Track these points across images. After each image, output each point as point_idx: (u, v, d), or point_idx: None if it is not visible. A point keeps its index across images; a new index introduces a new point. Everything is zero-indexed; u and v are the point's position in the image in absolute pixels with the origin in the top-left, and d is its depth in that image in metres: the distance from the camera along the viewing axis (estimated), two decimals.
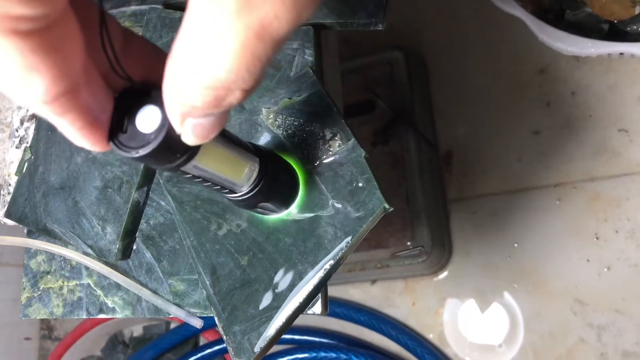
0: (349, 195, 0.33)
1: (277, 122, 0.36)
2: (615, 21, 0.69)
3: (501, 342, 0.72)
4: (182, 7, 0.42)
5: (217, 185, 0.28)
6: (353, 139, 0.34)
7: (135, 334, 0.81)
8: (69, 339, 0.76)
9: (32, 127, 0.48)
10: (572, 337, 0.69)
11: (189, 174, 0.25)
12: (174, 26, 0.41)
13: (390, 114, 0.77)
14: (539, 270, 0.72)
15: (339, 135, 0.34)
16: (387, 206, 0.33)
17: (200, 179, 0.27)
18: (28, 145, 0.44)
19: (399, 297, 0.77)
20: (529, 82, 0.76)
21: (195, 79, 0.19)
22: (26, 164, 0.43)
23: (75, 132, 0.21)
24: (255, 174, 0.30)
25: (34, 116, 0.48)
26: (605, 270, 0.69)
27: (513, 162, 0.76)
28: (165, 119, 0.22)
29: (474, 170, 0.78)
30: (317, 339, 0.71)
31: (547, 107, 0.75)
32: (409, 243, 0.74)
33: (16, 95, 0.18)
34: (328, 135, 0.35)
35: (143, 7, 0.44)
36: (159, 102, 0.22)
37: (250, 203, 0.31)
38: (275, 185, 0.32)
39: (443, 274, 0.77)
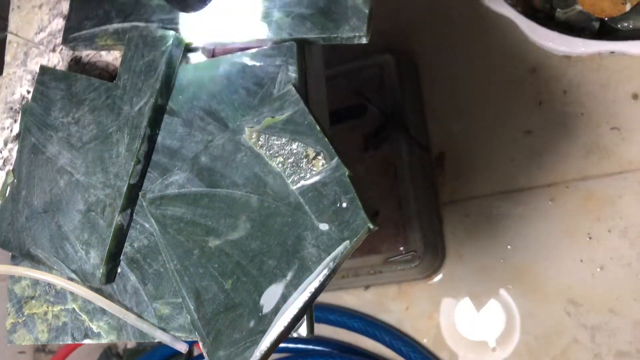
0: (333, 215, 0.33)
1: (260, 142, 0.36)
2: (606, 19, 0.68)
3: (495, 344, 0.72)
4: (163, 25, 0.42)
5: None
6: (336, 158, 0.34)
7: (129, 346, 0.81)
8: (62, 352, 0.76)
9: (16, 148, 0.47)
10: (566, 337, 0.69)
11: None
12: (155, 45, 0.40)
13: (381, 118, 0.77)
14: (533, 271, 0.71)
15: (322, 154, 0.34)
16: (371, 227, 0.32)
17: None
18: (11, 168, 0.44)
19: (392, 302, 0.77)
20: (520, 81, 0.76)
21: None
22: (9, 187, 0.43)
23: None
24: None
25: (17, 136, 0.48)
26: (599, 270, 0.69)
27: (506, 163, 0.75)
28: None
29: (466, 172, 0.77)
30: (310, 347, 0.71)
31: (539, 106, 0.75)
32: (401, 248, 0.73)
33: None
34: (311, 154, 0.34)
35: (125, 24, 0.44)
36: None
37: None
38: None
39: (437, 278, 0.76)
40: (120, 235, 0.39)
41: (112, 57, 0.47)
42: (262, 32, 0.39)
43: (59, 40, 0.50)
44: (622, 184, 0.69)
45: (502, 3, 0.68)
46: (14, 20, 0.53)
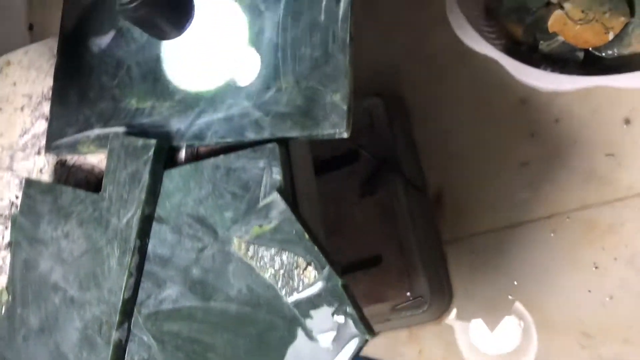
0: (330, 328, 0.32)
1: (249, 253, 0.35)
2: (590, 48, 0.68)
3: None
4: (144, 132, 0.41)
5: None
6: (328, 267, 0.33)
7: None
8: None
9: (8, 257, 0.47)
10: None
11: None
12: (137, 155, 0.40)
13: (374, 163, 0.76)
14: (542, 306, 0.71)
15: (313, 264, 0.33)
16: (368, 338, 0.32)
17: None
18: (4, 286, 0.43)
19: (404, 347, 0.76)
20: (510, 113, 0.75)
21: None
22: (4, 306, 0.42)
23: None
24: None
25: (9, 245, 0.48)
26: (608, 299, 0.68)
27: (504, 197, 0.74)
28: None
29: (466, 209, 0.77)
30: None
31: (531, 137, 0.74)
32: (408, 293, 0.73)
33: None
34: (302, 264, 0.34)
35: (106, 130, 0.43)
36: None
37: (135, 17, 0.33)
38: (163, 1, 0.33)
39: (447, 319, 0.76)
40: (120, 351, 0.38)
41: (97, 159, 0.46)
42: (242, 131, 0.39)
43: (43, 143, 0.50)
44: (623, 211, 0.68)
45: (484, 44, 0.67)
46: None
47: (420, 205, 0.77)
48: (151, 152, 0.39)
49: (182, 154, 0.42)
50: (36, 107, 0.51)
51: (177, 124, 0.41)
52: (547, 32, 0.69)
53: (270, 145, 0.37)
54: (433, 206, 0.79)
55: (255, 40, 0.40)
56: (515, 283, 0.73)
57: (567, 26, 0.66)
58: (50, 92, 0.51)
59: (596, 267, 0.69)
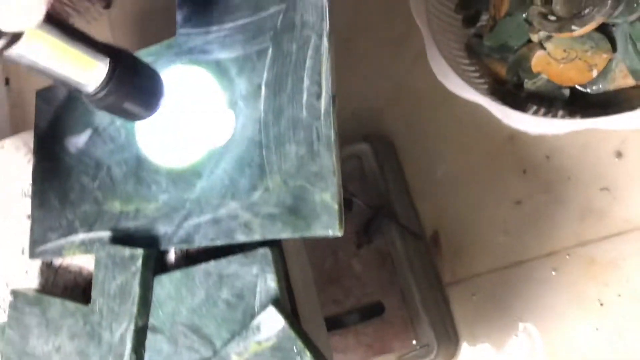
0: None
1: None
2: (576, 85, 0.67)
3: None
4: (130, 237, 0.40)
5: (61, 81, 0.29)
6: None
7: None
8: None
9: None
10: None
11: (19, 62, 0.26)
12: (125, 265, 0.38)
13: (369, 211, 0.75)
14: (549, 346, 0.70)
15: None
16: None
17: (37, 70, 0.27)
18: None
19: None
20: (499, 151, 0.75)
21: None
22: None
23: None
24: (103, 75, 0.30)
25: None
26: (616, 337, 0.67)
27: (500, 236, 0.74)
28: None
29: (464, 250, 0.76)
30: None
31: (523, 174, 0.73)
32: (414, 342, 0.71)
33: None
34: None
35: (91, 234, 0.42)
36: None
37: (104, 105, 0.32)
38: (129, 87, 0.32)
39: None
40: None
41: (84, 259, 0.45)
42: (232, 234, 0.37)
43: (26, 242, 0.48)
44: (622, 246, 0.67)
45: (467, 89, 0.67)
46: None
47: (418, 250, 0.76)
48: (139, 263, 0.38)
49: (172, 256, 0.41)
50: (16, 205, 0.50)
51: (163, 228, 0.40)
52: (531, 70, 0.69)
53: (262, 250, 0.36)
54: (431, 249, 0.78)
55: (237, 138, 0.38)
56: (520, 322, 0.71)
57: (551, 65, 0.66)
58: (30, 190, 0.49)
59: (601, 304, 0.68)
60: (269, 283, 0.35)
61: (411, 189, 0.79)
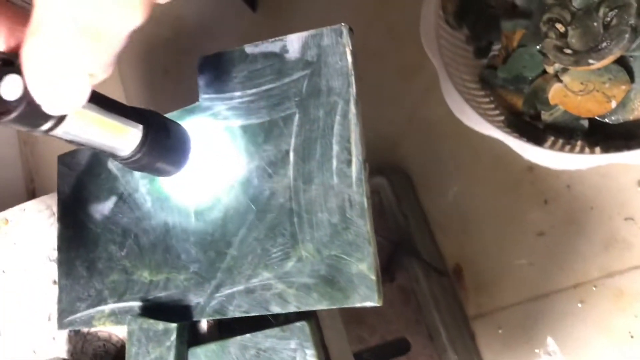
0: None
1: None
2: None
3: None
4: (161, 307, 0.39)
5: (98, 149, 0.31)
6: None
7: None
8: None
9: None
10: None
11: (63, 138, 0.27)
12: (159, 340, 0.38)
13: (389, 247, 0.75)
14: None
15: None
16: None
17: (76, 143, 0.29)
18: None
19: None
20: (519, 181, 0.74)
21: (42, 62, 0.21)
22: None
23: None
24: (138, 140, 0.32)
25: None
26: None
27: (525, 268, 0.73)
28: (27, 90, 0.24)
29: (487, 282, 0.75)
30: None
31: (544, 205, 0.72)
32: None
33: None
34: None
35: (120, 305, 0.41)
36: (21, 72, 0.24)
37: (136, 166, 0.34)
38: (160, 149, 0.34)
39: None
40: None
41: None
42: (266, 305, 0.37)
43: (53, 308, 0.48)
44: None
45: (485, 124, 0.66)
46: (1, 287, 0.51)
47: (442, 285, 0.75)
48: (174, 337, 0.37)
49: (204, 324, 0.40)
50: (41, 270, 0.49)
51: (195, 298, 0.39)
52: (548, 102, 0.68)
53: (299, 324, 0.35)
54: (454, 282, 0.77)
55: (268, 205, 0.38)
56: (549, 356, 0.70)
57: (568, 98, 0.65)
58: (54, 254, 0.49)
59: (632, 336, 0.67)
60: (308, 358, 0.35)
61: (431, 222, 0.78)
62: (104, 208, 0.44)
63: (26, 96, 0.24)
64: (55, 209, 0.50)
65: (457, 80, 0.71)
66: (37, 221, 0.50)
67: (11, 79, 0.25)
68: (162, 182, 0.41)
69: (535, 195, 0.73)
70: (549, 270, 0.71)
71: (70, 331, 0.46)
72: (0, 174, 1.18)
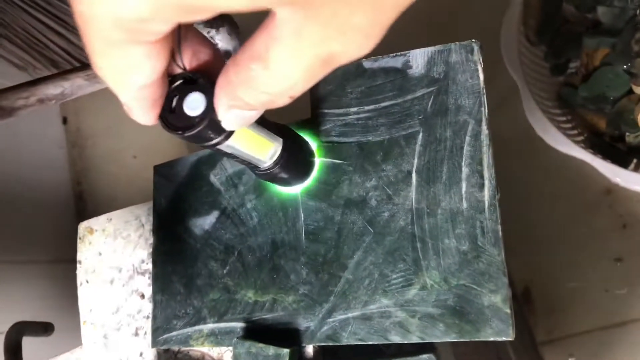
0: None
1: None
2: None
3: None
4: (267, 329, 0.38)
5: (245, 161, 0.32)
6: None
7: None
8: None
9: None
10: None
11: (221, 150, 0.29)
12: None
13: None
14: None
15: None
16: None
17: (231, 155, 0.30)
18: None
19: None
20: (596, 204, 0.71)
21: (258, 84, 0.22)
22: None
23: (143, 110, 0.25)
24: (278, 153, 0.34)
25: None
26: None
27: (600, 294, 0.70)
28: (209, 106, 0.25)
29: (558, 307, 0.72)
30: None
31: (623, 229, 0.70)
32: None
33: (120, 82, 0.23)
34: None
35: (222, 325, 0.40)
36: (204, 90, 0.26)
37: (270, 177, 0.35)
38: (293, 162, 0.36)
39: None
40: None
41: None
42: (385, 334, 0.35)
43: (140, 322, 0.46)
44: None
45: (570, 145, 0.64)
46: (85, 298, 0.50)
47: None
48: None
49: (310, 350, 0.38)
50: (127, 282, 0.48)
51: (305, 322, 0.37)
52: (635, 124, 0.66)
53: (425, 356, 0.34)
54: (522, 306, 0.74)
55: (386, 228, 0.36)
56: None
57: None
58: (144, 267, 0.48)
59: None
60: None
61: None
62: (204, 222, 0.42)
63: (208, 113, 0.25)
64: (144, 219, 0.48)
65: (536, 98, 0.69)
66: (125, 232, 0.49)
67: (195, 96, 0.26)
68: (270, 197, 0.40)
69: (613, 219, 0.70)
70: (625, 298, 0.69)
71: (159, 348, 0.45)
72: (47, 176, 1.18)
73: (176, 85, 0.26)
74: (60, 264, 0.99)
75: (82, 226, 0.52)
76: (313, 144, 0.39)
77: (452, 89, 0.36)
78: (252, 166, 0.34)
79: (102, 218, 0.51)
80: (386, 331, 0.35)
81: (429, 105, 0.37)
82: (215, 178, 0.42)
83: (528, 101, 0.67)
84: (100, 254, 0.50)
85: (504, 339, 0.33)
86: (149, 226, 0.48)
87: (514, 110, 0.73)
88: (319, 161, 0.39)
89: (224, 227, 0.41)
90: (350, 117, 0.39)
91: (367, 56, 0.40)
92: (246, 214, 0.41)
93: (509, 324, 0.33)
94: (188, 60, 0.26)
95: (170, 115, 0.26)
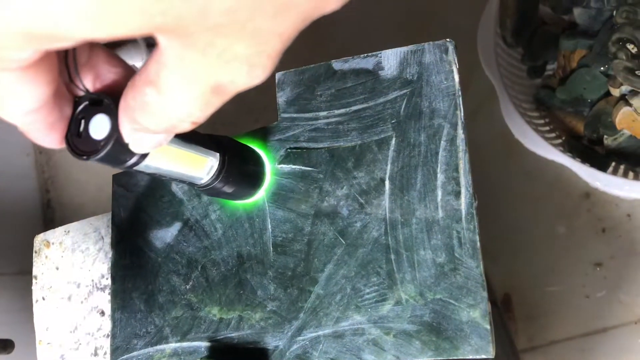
0: None
1: None
2: None
3: None
4: (233, 349, 0.35)
5: (176, 179, 0.31)
6: None
7: None
8: None
9: None
10: None
11: (143, 172, 0.28)
12: None
13: None
14: None
15: None
16: None
17: (158, 175, 0.29)
18: None
19: None
20: (575, 208, 0.70)
21: (154, 109, 0.22)
22: None
23: (39, 133, 0.24)
24: (215, 167, 0.32)
25: None
26: None
27: (580, 300, 0.69)
28: (114, 128, 0.24)
29: (539, 314, 0.71)
30: None
31: (602, 234, 0.69)
32: None
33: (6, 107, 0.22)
34: None
35: (185, 344, 0.37)
36: (109, 112, 0.24)
37: (213, 192, 0.34)
38: (236, 175, 0.34)
39: None
40: None
41: None
42: (358, 353, 0.33)
43: (100, 342, 0.44)
44: None
45: (549, 148, 0.63)
46: (41, 315, 0.47)
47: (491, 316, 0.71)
48: None
49: None
50: (86, 298, 0.45)
51: (273, 341, 0.35)
52: (613, 126, 0.65)
53: None
54: (502, 313, 0.73)
55: (359, 239, 0.34)
56: None
57: (637, 123, 0.62)
58: (103, 282, 0.45)
59: None
60: None
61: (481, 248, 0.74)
62: (166, 235, 0.40)
63: (113, 135, 0.24)
64: (103, 232, 0.46)
65: (515, 101, 0.68)
66: (83, 245, 0.46)
67: (99, 118, 0.25)
68: (235, 209, 0.38)
69: (592, 223, 0.69)
70: (606, 304, 0.68)
71: None
72: (14, 184, 1.13)
73: (82, 107, 0.25)
74: (25, 276, 0.95)
75: (38, 239, 0.48)
76: (278, 151, 0.37)
77: (426, 91, 0.34)
78: (189, 183, 0.32)
79: (59, 230, 0.48)
80: (359, 350, 0.33)
81: (402, 109, 0.35)
82: (178, 187, 0.40)
83: (506, 104, 0.65)
84: (57, 268, 0.47)
85: (484, 356, 0.31)
86: (108, 239, 0.45)
87: (492, 113, 0.72)
88: (288, 168, 0.36)
89: (187, 240, 0.39)
90: (320, 121, 0.37)
91: (336, 57, 0.38)
92: (210, 226, 0.38)
93: (488, 340, 0.31)
94: (91, 80, 0.25)
95: (78, 139, 0.25)
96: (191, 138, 0.30)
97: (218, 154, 0.32)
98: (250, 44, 0.19)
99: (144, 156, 0.26)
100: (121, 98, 0.23)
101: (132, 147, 0.25)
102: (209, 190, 0.33)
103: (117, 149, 0.24)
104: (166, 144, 0.27)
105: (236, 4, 0.17)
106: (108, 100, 0.25)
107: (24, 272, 0.99)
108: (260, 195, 0.37)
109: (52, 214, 1.12)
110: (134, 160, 0.26)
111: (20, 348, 0.62)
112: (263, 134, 0.37)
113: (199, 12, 0.17)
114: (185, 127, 0.23)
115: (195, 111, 0.21)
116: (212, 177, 0.32)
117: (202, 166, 0.31)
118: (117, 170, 0.43)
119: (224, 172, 0.32)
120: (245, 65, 0.20)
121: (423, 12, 0.82)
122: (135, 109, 0.22)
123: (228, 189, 0.34)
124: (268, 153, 0.37)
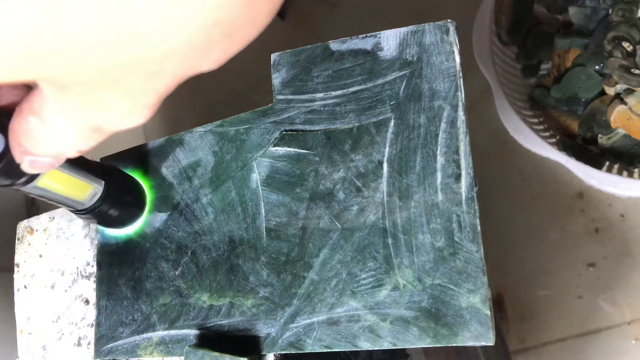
0: None
1: None
2: None
3: None
4: (223, 337, 0.34)
5: (59, 203, 0.32)
6: None
7: None
8: None
9: None
10: None
11: (30, 193, 0.29)
12: None
13: None
14: None
15: None
16: None
17: (42, 197, 0.31)
18: None
19: None
20: (569, 209, 0.70)
21: (38, 137, 0.22)
22: None
23: None
24: (98, 195, 0.34)
25: None
26: None
27: (573, 301, 0.68)
28: (7, 147, 0.25)
29: (531, 315, 0.70)
30: None
31: (596, 234, 0.68)
32: None
33: None
34: None
35: (173, 332, 0.36)
36: (5, 131, 0.25)
37: (94, 217, 0.35)
38: (119, 204, 0.36)
39: None
40: None
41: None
42: (354, 340, 0.32)
43: (84, 331, 0.42)
44: None
45: (545, 146, 0.62)
46: (22, 304, 0.45)
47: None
48: None
49: (271, 358, 0.35)
50: (70, 286, 0.43)
51: (265, 328, 0.34)
52: (607, 125, 0.64)
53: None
54: (495, 313, 0.72)
55: (355, 223, 0.33)
56: None
57: (632, 121, 0.62)
58: (88, 270, 0.43)
59: None
60: None
61: None
62: (155, 219, 0.38)
63: (6, 154, 0.25)
64: None
65: (510, 99, 0.67)
66: (68, 231, 0.45)
67: None
68: (228, 192, 0.36)
69: (586, 224, 0.69)
70: (599, 304, 0.67)
71: (103, 359, 0.40)
72: None
73: None
74: (7, 273, 0.93)
75: (21, 226, 0.47)
76: (273, 133, 0.36)
77: (426, 72, 0.33)
78: (68, 207, 0.34)
79: (44, 217, 0.46)
80: (355, 337, 0.32)
81: (402, 90, 0.34)
82: (168, 171, 0.38)
83: (501, 101, 0.65)
84: (40, 256, 0.45)
85: (484, 343, 0.29)
86: (94, 225, 0.44)
87: (487, 111, 0.71)
88: (283, 151, 0.35)
89: (177, 225, 0.38)
90: (317, 103, 0.36)
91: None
92: (201, 210, 0.37)
93: (488, 326, 0.30)
94: None
95: None
96: (79, 163, 0.32)
97: (103, 182, 0.34)
98: (124, 98, 0.20)
99: (33, 177, 0.27)
100: (10, 121, 0.24)
101: (23, 167, 0.25)
102: (87, 216, 0.35)
103: (8, 167, 0.25)
104: (56, 169, 0.29)
105: (106, 67, 0.18)
106: (5, 119, 0.25)
107: (4, 270, 0.97)
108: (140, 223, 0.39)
109: (36, 210, 1.10)
110: (23, 180, 0.27)
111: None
112: (255, 117, 0.36)
113: (69, 72, 0.18)
114: (73, 154, 0.23)
115: (78, 144, 0.22)
116: (94, 204, 0.34)
117: (87, 192, 0.33)
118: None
119: (107, 199, 0.35)
120: (120, 113, 0.20)
121: (418, 11, 0.81)
122: (20, 134, 0.23)
123: (107, 217, 0.36)
124: (259, 138, 0.36)
